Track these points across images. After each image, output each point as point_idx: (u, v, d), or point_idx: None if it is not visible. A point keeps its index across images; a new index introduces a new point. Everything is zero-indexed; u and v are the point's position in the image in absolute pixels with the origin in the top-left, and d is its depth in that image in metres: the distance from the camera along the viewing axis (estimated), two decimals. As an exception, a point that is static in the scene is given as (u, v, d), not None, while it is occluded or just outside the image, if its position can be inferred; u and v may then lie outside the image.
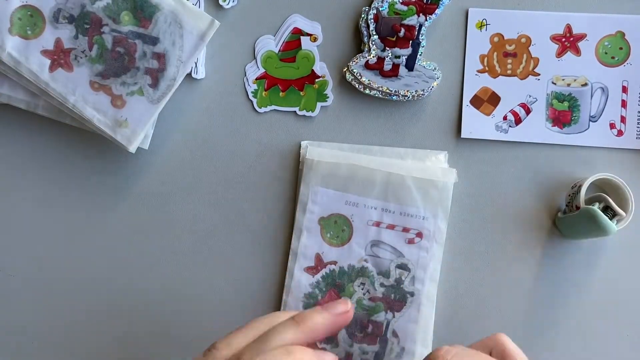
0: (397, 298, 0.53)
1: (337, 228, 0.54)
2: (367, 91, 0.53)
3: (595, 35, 0.52)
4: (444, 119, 0.54)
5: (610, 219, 0.48)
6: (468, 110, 0.54)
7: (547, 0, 0.53)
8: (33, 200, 0.56)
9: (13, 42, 0.51)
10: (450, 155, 0.54)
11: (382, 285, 0.53)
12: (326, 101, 0.55)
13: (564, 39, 0.53)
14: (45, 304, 0.57)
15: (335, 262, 0.54)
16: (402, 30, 0.52)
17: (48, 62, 0.52)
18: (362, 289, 0.53)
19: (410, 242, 0.53)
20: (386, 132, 0.55)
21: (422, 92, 0.53)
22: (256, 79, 0.55)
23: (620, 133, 0.53)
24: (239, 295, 0.55)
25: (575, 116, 0.53)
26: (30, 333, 0.57)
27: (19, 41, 0.52)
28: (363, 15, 0.53)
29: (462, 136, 0.54)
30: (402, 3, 0.52)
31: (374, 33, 0.52)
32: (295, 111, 0.55)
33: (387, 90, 0.53)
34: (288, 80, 0.55)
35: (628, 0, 0.52)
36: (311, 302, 0.53)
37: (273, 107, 0.55)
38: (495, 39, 0.53)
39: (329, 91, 0.55)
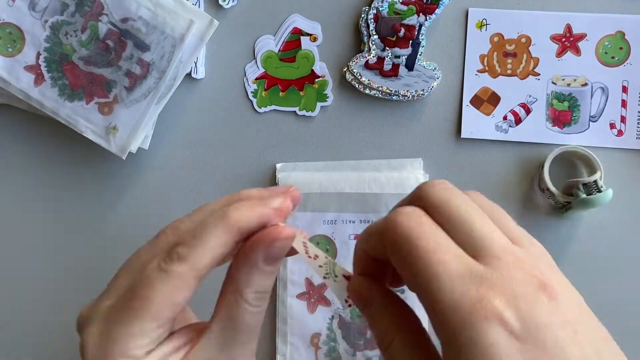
0: None
1: (321, 249, 0.54)
2: (367, 91, 0.53)
3: (595, 35, 0.52)
4: (444, 119, 0.54)
5: (595, 191, 0.49)
6: (468, 110, 0.54)
7: (547, 0, 0.53)
8: (33, 201, 0.56)
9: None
10: (451, 155, 0.54)
11: None
12: (326, 101, 0.55)
13: (564, 39, 0.53)
14: (44, 305, 0.57)
15: (326, 285, 0.54)
16: (402, 30, 0.52)
17: (33, 77, 0.52)
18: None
19: None
20: (386, 132, 0.55)
21: (422, 92, 0.53)
22: (256, 79, 0.55)
23: (620, 133, 0.53)
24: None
25: (575, 116, 0.53)
26: (28, 334, 0.57)
27: (3, 60, 0.52)
28: (363, 15, 0.53)
29: (462, 136, 0.54)
30: (402, 3, 0.52)
31: (374, 33, 0.52)
32: (295, 111, 0.55)
33: (387, 90, 0.53)
34: (288, 80, 0.55)
35: (628, 0, 0.52)
36: (331, 344, 0.54)
37: (273, 107, 0.55)
38: (495, 39, 0.53)
39: (328, 91, 0.55)
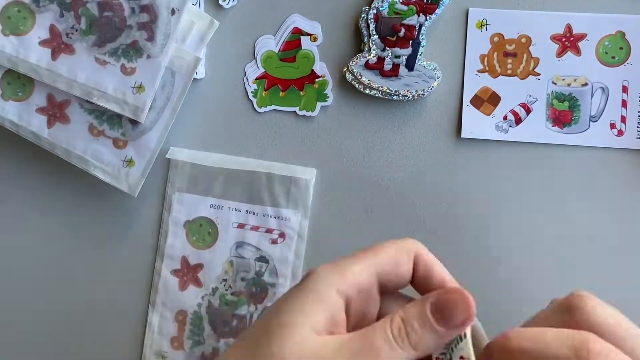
0: (259, 291, 0.54)
1: (203, 231, 0.54)
2: (367, 91, 0.53)
3: (596, 35, 0.52)
4: (444, 119, 0.54)
5: None
6: (468, 110, 0.54)
7: (547, 0, 0.53)
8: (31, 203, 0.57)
9: (9, 107, 0.52)
10: (451, 155, 0.54)
11: (242, 279, 0.54)
12: (326, 101, 0.55)
13: (564, 39, 0.53)
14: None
15: (201, 265, 0.54)
16: (402, 30, 0.52)
17: (45, 118, 0.52)
18: (224, 285, 0.54)
19: (274, 242, 0.54)
20: (386, 132, 0.55)
21: (422, 92, 0.53)
22: (256, 79, 0.55)
23: (620, 133, 0.53)
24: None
25: (575, 116, 0.53)
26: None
27: (14, 105, 0.52)
28: (363, 15, 0.53)
29: (462, 136, 0.54)
30: (402, 3, 0.52)
31: (374, 33, 0.52)
32: (295, 111, 0.55)
33: (387, 90, 0.53)
34: (288, 80, 0.55)
35: (628, 0, 0.52)
36: (196, 326, 0.54)
37: (273, 107, 0.55)
38: (496, 39, 0.53)
39: (329, 91, 0.55)
